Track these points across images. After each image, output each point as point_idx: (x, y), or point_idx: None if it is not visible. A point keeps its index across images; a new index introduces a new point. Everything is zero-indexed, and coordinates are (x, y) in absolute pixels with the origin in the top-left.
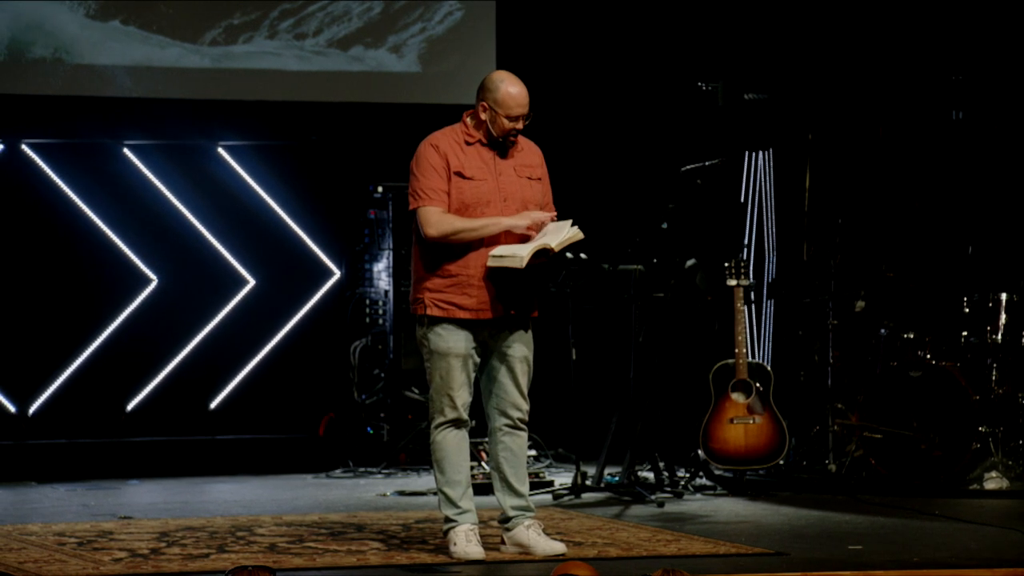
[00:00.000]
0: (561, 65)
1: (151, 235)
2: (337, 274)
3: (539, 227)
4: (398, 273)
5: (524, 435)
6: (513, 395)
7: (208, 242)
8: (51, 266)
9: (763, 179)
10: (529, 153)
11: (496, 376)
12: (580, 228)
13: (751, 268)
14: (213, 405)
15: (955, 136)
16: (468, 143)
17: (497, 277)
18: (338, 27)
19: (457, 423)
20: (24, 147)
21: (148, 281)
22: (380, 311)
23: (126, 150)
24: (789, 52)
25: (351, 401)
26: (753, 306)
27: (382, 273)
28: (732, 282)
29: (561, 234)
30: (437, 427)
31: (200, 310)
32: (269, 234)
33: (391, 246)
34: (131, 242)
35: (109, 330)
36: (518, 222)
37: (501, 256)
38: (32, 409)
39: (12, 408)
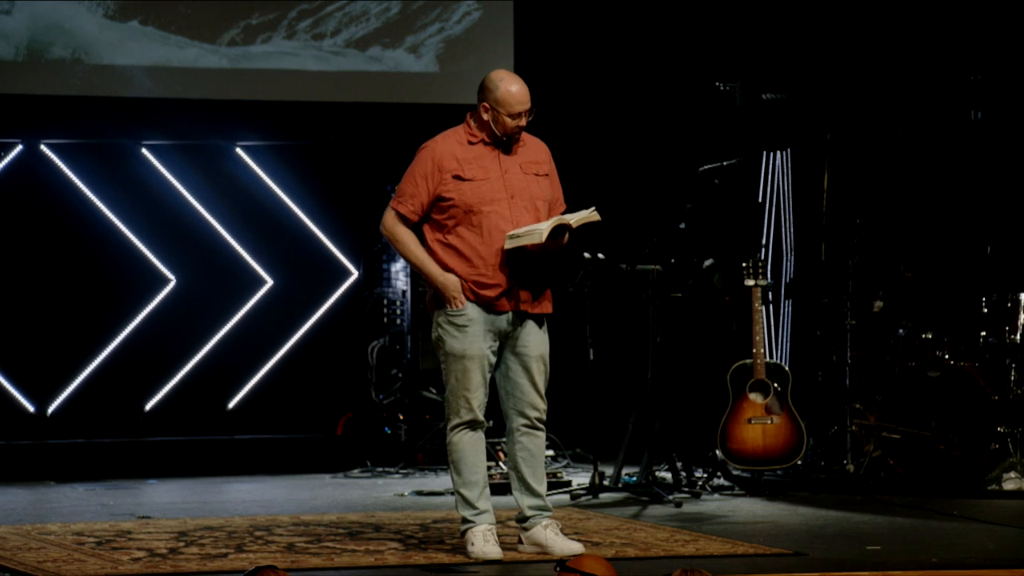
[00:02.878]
0: (579, 65)
1: (169, 235)
2: (355, 274)
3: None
4: (416, 273)
5: (542, 435)
6: (530, 395)
7: (226, 242)
8: (69, 266)
9: (781, 179)
10: (535, 149)
11: (512, 376)
12: (598, 228)
13: (769, 268)
14: (231, 405)
15: (974, 136)
16: (471, 143)
17: (515, 262)
18: (356, 27)
19: (473, 424)
20: (43, 147)
21: (166, 281)
22: (398, 311)
23: (144, 150)
24: (807, 52)
25: (369, 401)
26: (771, 306)
27: (400, 273)
28: (750, 282)
29: (578, 214)
30: (453, 428)
31: (218, 310)
32: (287, 234)
33: None
34: (149, 242)
35: (127, 330)
36: (447, 284)
37: (519, 236)
38: (51, 409)
39: (31, 408)
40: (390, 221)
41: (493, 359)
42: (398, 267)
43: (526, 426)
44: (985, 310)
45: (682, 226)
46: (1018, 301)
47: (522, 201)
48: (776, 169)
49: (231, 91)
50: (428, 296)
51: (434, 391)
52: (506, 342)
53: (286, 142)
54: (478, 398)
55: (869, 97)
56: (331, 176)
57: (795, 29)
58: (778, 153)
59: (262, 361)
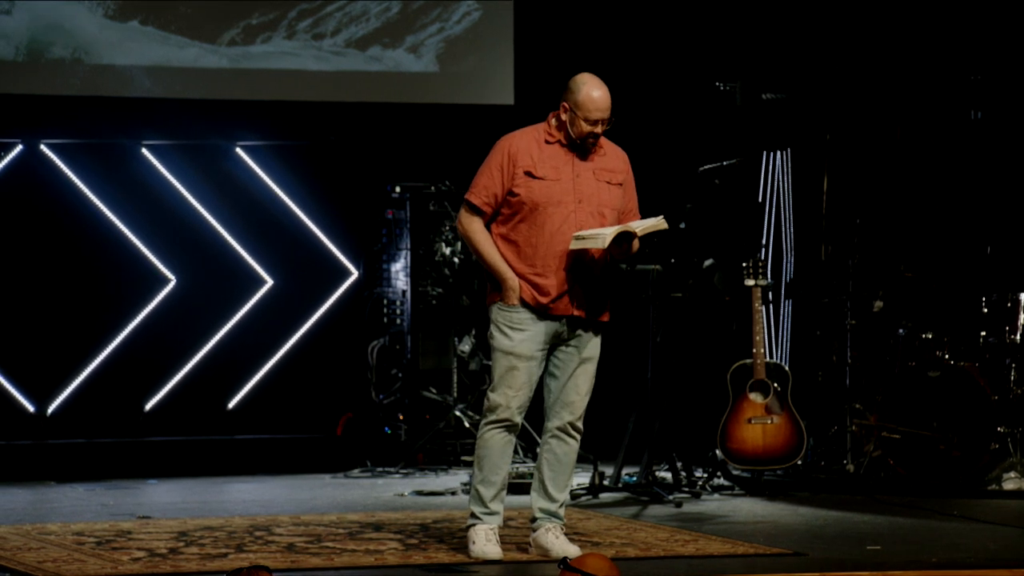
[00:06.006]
0: (579, 65)
1: (169, 235)
2: (355, 274)
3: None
4: (415, 273)
5: (574, 443)
6: (568, 394)
7: (226, 242)
8: (69, 266)
9: (781, 179)
10: (613, 158)
11: (554, 371)
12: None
13: (769, 268)
14: (231, 405)
15: (973, 136)
16: (548, 142)
17: (574, 265)
18: (356, 27)
19: (509, 426)
20: (43, 147)
21: (166, 281)
22: (398, 311)
23: (144, 150)
24: (807, 52)
25: (369, 401)
26: (771, 306)
27: (400, 273)
28: (750, 282)
29: (645, 222)
30: (488, 424)
31: (218, 310)
32: (287, 234)
33: (408, 246)
34: (149, 242)
35: (127, 330)
36: (515, 286)
37: (583, 238)
38: (51, 409)
39: (31, 408)
40: (465, 218)
41: (543, 363)
42: (398, 267)
43: (559, 429)
44: (985, 310)
45: (682, 226)
46: (1018, 301)
47: (589, 206)
48: (776, 169)
49: (231, 91)
50: (488, 290)
51: (434, 391)
52: (558, 344)
53: (286, 142)
54: (519, 399)
55: (869, 97)
56: (331, 176)
57: (795, 29)
58: (778, 153)
59: (262, 361)
